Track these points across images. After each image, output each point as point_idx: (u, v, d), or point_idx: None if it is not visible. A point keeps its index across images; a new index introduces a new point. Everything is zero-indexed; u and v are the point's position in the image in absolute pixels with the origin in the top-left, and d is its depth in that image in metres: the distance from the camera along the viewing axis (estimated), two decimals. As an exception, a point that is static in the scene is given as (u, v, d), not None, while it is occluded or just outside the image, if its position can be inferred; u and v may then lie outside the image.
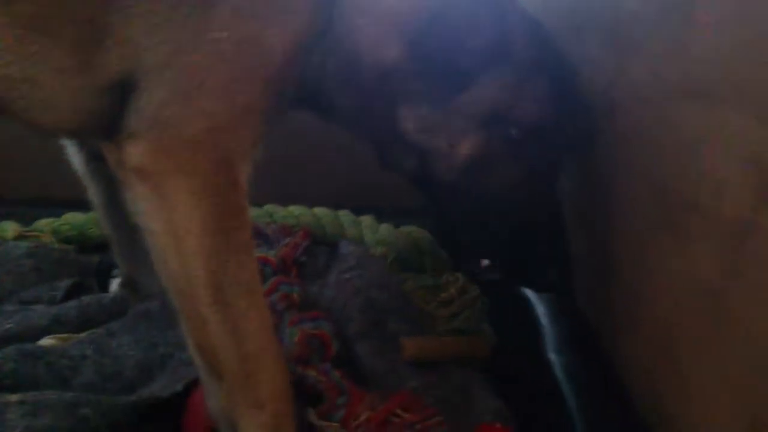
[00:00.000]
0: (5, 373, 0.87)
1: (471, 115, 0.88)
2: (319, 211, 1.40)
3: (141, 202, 0.75)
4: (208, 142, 0.74)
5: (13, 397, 0.79)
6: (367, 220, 1.39)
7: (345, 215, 1.40)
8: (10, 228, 1.30)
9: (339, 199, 1.45)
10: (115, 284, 1.21)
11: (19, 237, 1.29)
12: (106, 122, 0.76)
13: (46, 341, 1.04)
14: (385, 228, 1.36)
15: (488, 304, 1.14)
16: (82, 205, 1.15)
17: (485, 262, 0.98)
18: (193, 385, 0.88)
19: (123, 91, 0.74)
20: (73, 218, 1.35)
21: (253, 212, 1.39)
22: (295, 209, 1.40)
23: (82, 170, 1.05)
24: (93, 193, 1.07)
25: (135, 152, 0.73)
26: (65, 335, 1.06)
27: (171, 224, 0.74)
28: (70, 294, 1.19)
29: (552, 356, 0.97)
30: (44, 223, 1.34)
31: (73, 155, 1.05)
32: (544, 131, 0.91)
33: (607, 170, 0.93)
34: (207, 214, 0.73)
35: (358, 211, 1.43)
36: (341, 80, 0.90)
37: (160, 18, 0.72)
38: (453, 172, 0.92)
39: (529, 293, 1.13)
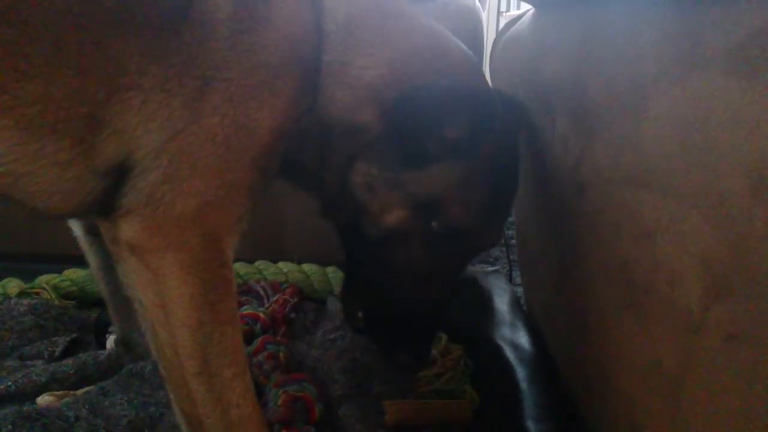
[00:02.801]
0: (4, 434, 0.91)
1: (409, 191, 0.90)
2: (307, 267, 1.45)
3: (133, 275, 0.80)
4: (197, 219, 0.79)
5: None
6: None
7: (332, 272, 1.44)
8: (13, 285, 1.34)
9: (326, 257, 1.49)
10: (111, 340, 1.26)
11: (22, 293, 1.34)
12: (102, 203, 0.81)
13: (43, 399, 1.09)
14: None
15: (471, 366, 1.18)
16: (83, 262, 1.20)
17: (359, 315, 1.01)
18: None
19: (118, 175, 0.79)
20: (73, 275, 1.40)
21: (243, 269, 1.44)
22: (284, 266, 1.45)
23: (81, 238, 1.10)
24: (90, 258, 1.12)
25: (128, 229, 0.78)
26: (61, 393, 1.10)
27: (160, 297, 0.78)
28: (69, 349, 1.24)
29: (530, 424, 1.00)
30: (46, 280, 1.39)
31: (73, 223, 1.10)
32: (466, 236, 0.94)
33: (579, 246, 0.98)
34: (194, 287, 0.78)
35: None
36: (307, 139, 0.93)
37: (152, 109, 0.77)
38: (373, 235, 0.94)
39: (510, 356, 1.16)
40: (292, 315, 1.34)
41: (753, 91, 0.54)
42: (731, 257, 0.58)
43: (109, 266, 1.09)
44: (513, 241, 1.63)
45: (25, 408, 0.97)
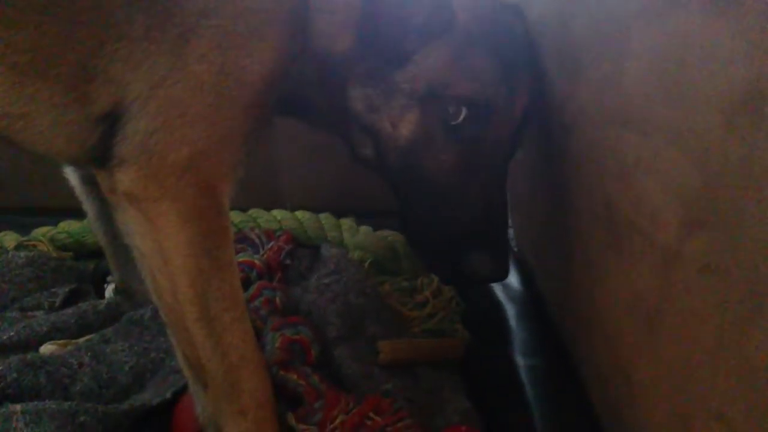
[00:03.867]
0: (8, 383, 0.94)
1: (408, 92, 0.90)
2: (301, 214, 1.46)
3: (131, 225, 0.82)
4: (191, 168, 0.80)
5: (17, 407, 0.87)
6: (346, 223, 1.45)
7: (326, 218, 1.46)
8: (10, 238, 1.36)
9: (320, 204, 1.52)
10: (110, 290, 1.28)
11: (19, 246, 1.36)
12: (97, 151, 0.82)
13: (46, 348, 1.11)
14: (363, 231, 1.42)
15: (462, 305, 1.21)
16: (78, 214, 1.22)
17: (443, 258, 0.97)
18: (182, 392, 0.95)
19: (112, 122, 0.80)
20: (69, 227, 1.42)
21: (238, 217, 1.46)
22: (277, 213, 1.47)
23: (77, 188, 1.12)
24: (87, 208, 1.13)
25: (124, 179, 0.80)
26: (64, 341, 1.13)
27: (159, 245, 0.80)
28: (68, 300, 1.27)
29: (519, 359, 1.04)
30: (42, 232, 1.41)
31: (69, 174, 1.11)
32: (486, 111, 0.91)
33: (566, 185, 1.00)
34: (192, 235, 0.80)
35: (338, 213, 1.49)
36: (316, 81, 0.95)
37: (138, 57, 0.78)
38: (398, 155, 0.94)
39: (500, 296, 1.20)
40: (287, 261, 1.36)
41: (727, 28, 0.55)
42: (705, 191, 0.60)
43: (106, 216, 1.11)
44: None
45: (29, 356, 1.00)
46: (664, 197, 0.70)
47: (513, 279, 1.25)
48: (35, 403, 0.89)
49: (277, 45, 0.85)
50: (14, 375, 0.95)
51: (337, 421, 0.90)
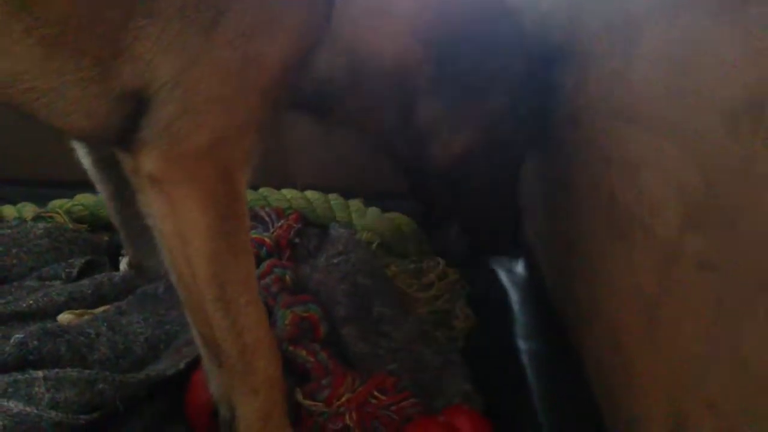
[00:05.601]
0: (30, 350, 0.98)
1: (472, 118, 1.00)
2: (310, 194, 1.49)
3: (152, 206, 0.84)
4: (212, 153, 0.82)
5: (39, 373, 0.91)
6: (355, 204, 1.48)
7: (335, 199, 1.49)
8: (29, 209, 1.40)
9: (329, 184, 1.55)
10: (124, 262, 1.32)
11: (37, 217, 1.39)
12: (121, 132, 0.84)
13: (64, 316, 1.16)
14: (371, 213, 1.45)
15: (467, 288, 1.24)
16: (94, 188, 1.24)
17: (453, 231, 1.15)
18: (195, 363, 0.99)
19: (137, 103, 0.82)
20: (84, 199, 1.45)
21: (249, 196, 1.49)
22: (287, 193, 1.50)
23: (90, 170, 1.15)
24: (101, 188, 1.16)
25: (147, 161, 0.82)
26: (80, 311, 1.17)
27: (178, 227, 0.83)
28: (84, 271, 1.31)
29: (521, 342, 1.07)
30: (59, 204, 1.44)
31: (82, 157, 1.14)
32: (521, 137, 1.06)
33: (571, 175, 1.02)
34: (211, 219, 0.82)
35: (347, 194, 1.52)
36: (351, 83, 0.97)
37: (169, 38, 0.79)
38: (444, 159, 1.04)
39: (505, 280, 1.22)
40: (296, 240, 1.39)
41: (733, 32, 0.57)
42: (705, 190, 0.62)
43: (120, 196, 1.14)
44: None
45: (49, 325, 1.04)
46: (666, 193, 0.72)
47: (519, 265, 1.27)
48: (56, 370, 0.93)
49: (296, 34, 0.87)
50: (35, 343, 0.99)
51: (344, 398, 0.94)
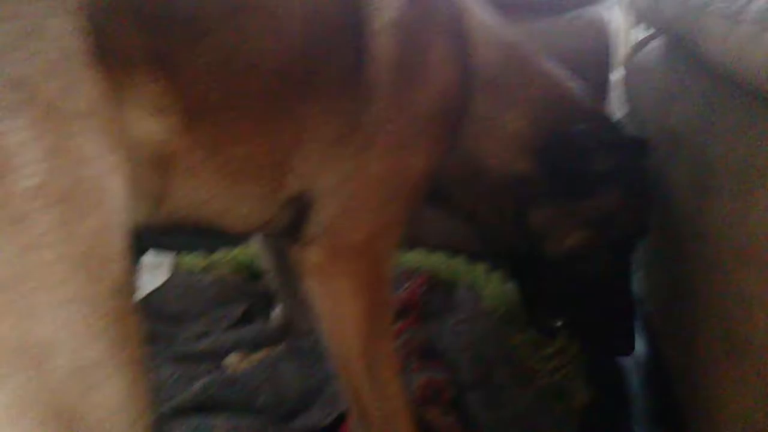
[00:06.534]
0: (209, 395, 1.19)
1: (584, 217, 1.06)
2: (436, 257, 1.62)
3: (313, 290, 1.01)
4: (365, 248, 0.99)
5: (217, 421, 1.11)
6: (480, 267, 1.59)
7: (460, 262, 1.61)
8: (198, 262, 1.63)
9: (456, 244, 1.65)
10: (277, 310, 1.51)
11: (204, 268, 1.62)
12: (287, 229, 1.02)
13: (230, 360, 1.36)
14: (496, 278, 1.55)
15: (586, 363, 1.32)
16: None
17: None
18: (342, 417, 1.15)
19: (301, 208, 1.00)
20: (243, 251, 1.67)
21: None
22: (414, 255, 1.63)
23: (261, 246, 1.36)
24: (266, 261, 1.37)
25: (311, 255, 0.99)
26: (241, 355, 1.37)
27: (335, 311, 0.99)
28: (244, 317, 1.51)
29: (637, 429, 1.12)
30: (221, 256, 1.68)
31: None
32: (633, 233, 1.11)
33: (691, 279, 1.06)
34: (363, 306, 0.98)
35: (473, 257, 1.63)
36: (462, 182, 1.11)
37: (329, 158, 0.96)
38: (556, 256, 1.10)
39: (624, 361, 1.28)
40: (425, 298, 1.52)
41: None
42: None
43: (281, 270, 1.35)
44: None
45: (223, 374, 1.25)
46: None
47: (639, 344, 1.32)
48: (228, 414, 1.12)
49: (435, 145, 1.02)
50: (213, 390, 1.20)
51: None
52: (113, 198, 0.58)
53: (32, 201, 0.49)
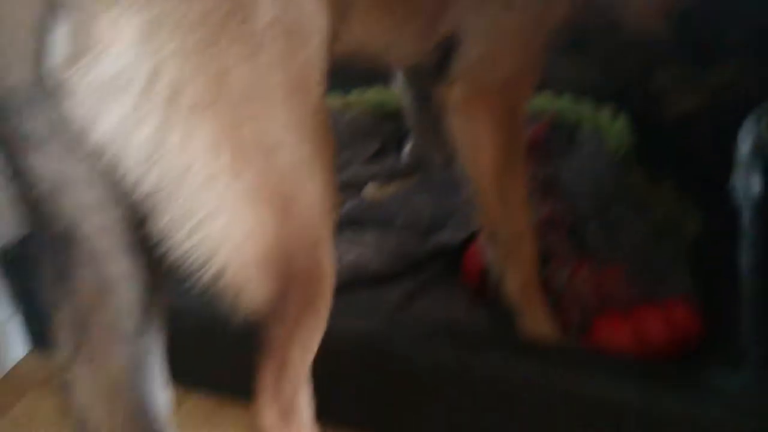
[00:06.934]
0: (352, 217, 1.40)
1: (704, 83, 1.12)
2: (562, 101, 1.68)
3: (455, 126, 1.13)
4: (503, 91, 1.10)
5: (365, 235, 1.32)
6: (605, 111, 1.63)
7: (586, 106, 1.66)
8: (336, 100, 1.78)
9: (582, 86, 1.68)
10: (407, 148, 1.66)
11: (341, 108, 1.77)
12: (437, 68, 1.13)
13: (367, 190, 1.55)
14: (619, 122, 1.59)
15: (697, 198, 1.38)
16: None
17: None
18: (471, 237, 1.33)
19: (449, 48, 1.10)
20: (377, 93, 1.80)
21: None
22: (541, 98, 1.68)
23: (400, 84, 1.49)
24: (405, 99, 1.51)
25: (454, 93, 1.10)
26: (378, 185, 1.56)
27: (473, 145, 1.13)
28: (377, 153, 1.68)
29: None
30: (355, 97, 1.81)
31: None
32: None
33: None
34: (498, 141, 1.11)
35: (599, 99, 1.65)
36: (597, 32, 1.18)
37: (478, 5, 1.06)
38: (670, 116, 1.20)
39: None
40: (548, 140, 1.61)
41: None
42: None
43: (418, 107, 1.48)
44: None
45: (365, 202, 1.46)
46: None
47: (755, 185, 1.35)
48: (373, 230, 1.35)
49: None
50: (356, 212, 1.40)
51: (581, 280, 1.21)
52: (319, 33, 0.71)
53: (267, 33, 0.62)
